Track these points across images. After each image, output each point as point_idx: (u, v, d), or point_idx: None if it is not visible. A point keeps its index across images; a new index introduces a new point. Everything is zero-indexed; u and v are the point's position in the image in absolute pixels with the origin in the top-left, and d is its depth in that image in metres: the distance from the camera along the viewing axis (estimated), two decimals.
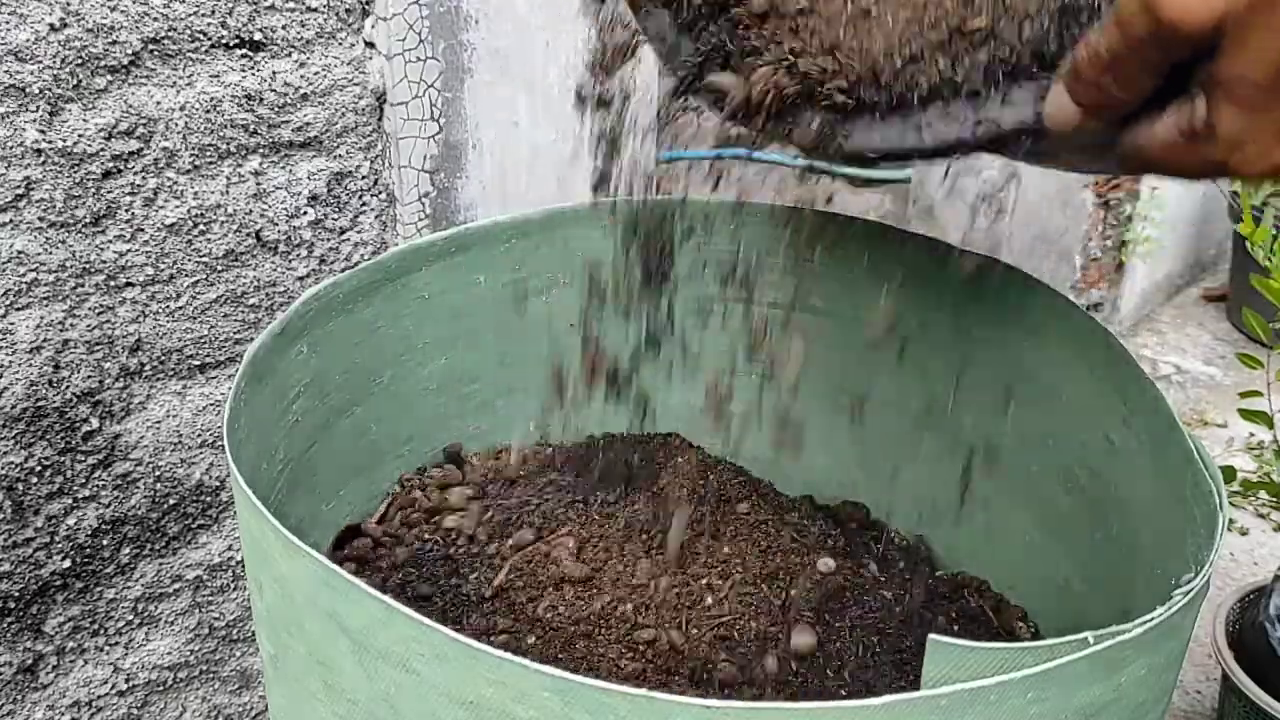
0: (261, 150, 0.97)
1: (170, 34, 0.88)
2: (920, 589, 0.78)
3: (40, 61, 0.82)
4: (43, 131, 0.84)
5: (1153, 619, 0.46)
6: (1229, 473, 1.26)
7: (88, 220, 0.89)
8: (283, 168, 0.99)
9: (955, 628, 0.74)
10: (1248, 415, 1.26)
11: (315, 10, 0.96)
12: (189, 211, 0.94)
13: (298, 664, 0.49)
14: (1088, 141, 0.50)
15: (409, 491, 0.80)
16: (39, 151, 0.84)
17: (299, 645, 0.48)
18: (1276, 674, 1.16)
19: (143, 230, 0.92)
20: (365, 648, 0.44)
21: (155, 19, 0.87)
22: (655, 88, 1.28)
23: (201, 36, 0.90)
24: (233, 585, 1.09)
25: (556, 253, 0.79)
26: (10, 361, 0.88)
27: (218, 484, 1.04)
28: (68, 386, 0.91)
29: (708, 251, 0.83)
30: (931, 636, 0.42)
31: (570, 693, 0.39)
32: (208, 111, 0.92)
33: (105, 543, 0.98)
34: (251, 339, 1.02)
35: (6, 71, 0.81)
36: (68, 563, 0.96)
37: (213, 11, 0.90)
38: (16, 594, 0.93)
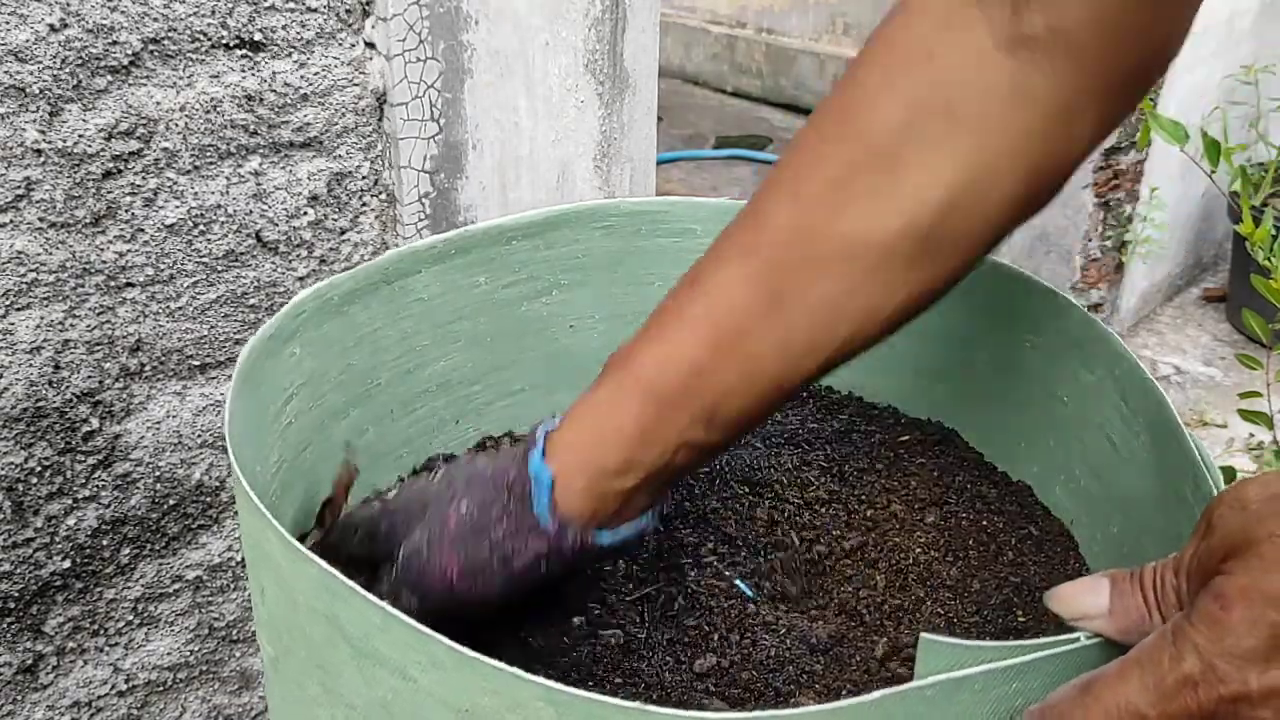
0: (261, 150, 0.97)
1: (170, 34, 0.88)
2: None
3: (40, 62, 0.82)
4: (43, 131, 0.84)
5: None
6: (1229, 473, 1.26)
7: (88, 220, 0.89)
8: (283, 168, 0.99)
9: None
10: (1247, 416, 1.26)
11: (315, 10, 0.96)
12: (189, 212, 0.94)
13: (298, 667, 0.49)
14: None
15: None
16: (39, 151, 0.84)
17: (299, 648, 0.48)
18: None
19: (143, 230, 0.92)
20: (364, 653, 0.44)
21: (155, 19, 0.87)
22: (655, 81, 1.28)
23: (201, 37, 0.90)
24: (233, 585, 1.09)
25: (557, 254, 0.79)
26: (10, 362, 0.88)
27: (218, 484, 1.04)
28: (68, 387, 0.91)
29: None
30: (923, 635, 0.42)
31: (564, 704, 0.39)
32: (208, 112, 0.92)
33: (105, 543, 0.98)
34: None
35: (6, 71, 0.81)
36: (68, 563, 0.96)
37: (213, 12, 0.90)
38: (16, 594, 0.93)
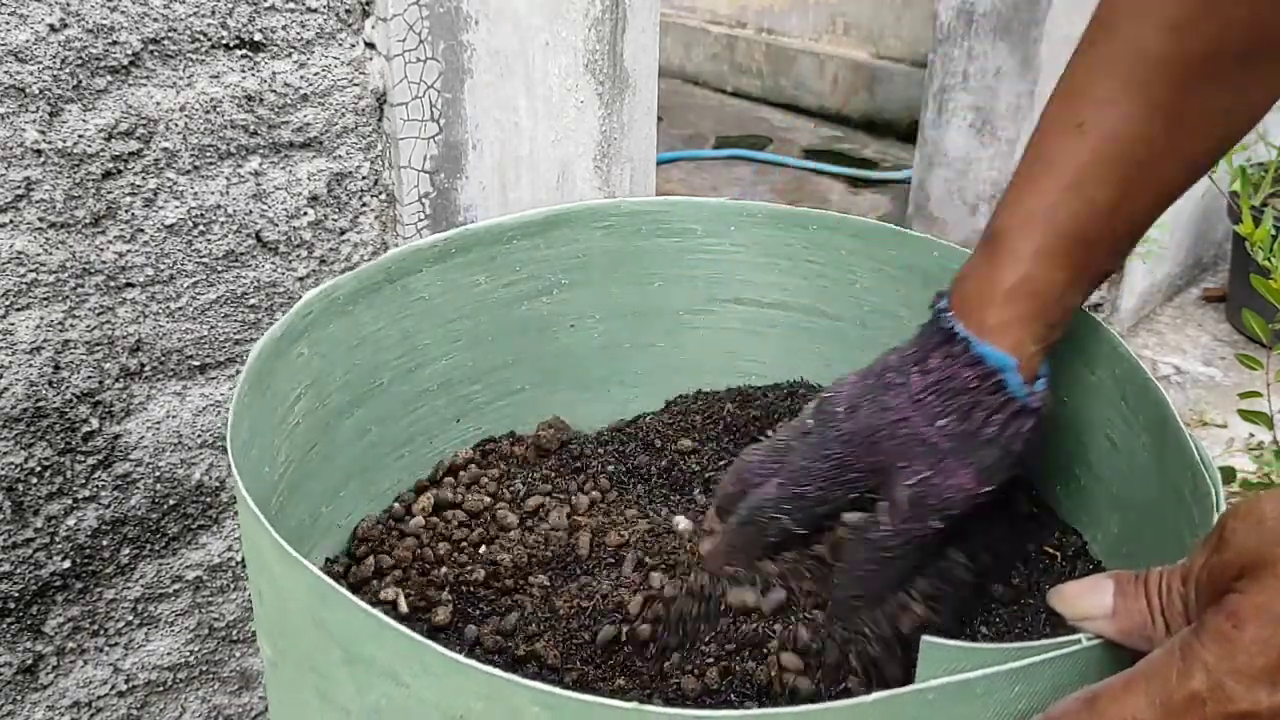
0: (261, 151, 0.97)
1: (170, 34, 0.88)
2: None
3: (40, 62, 0.82)
4: (43, 132, 0.84)
5: None
6: (1229, 473, 1.26)
7: (88, 221, 0.89)
8: (283, 168, 0.99)
9: None
10: (1247, 416, 1.26)
11: (315, 10, 0.96)
12: (189, 212, 0.94)
13: (294, 671, 0.49)
14: None
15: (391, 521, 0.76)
16: (39, 152, 0.84)
17: (295, 652, 0.48)
18: None
19: (143, 231, 0.92)
20: (356, 659, 0.44)
21: (155, 19, 0.87)
22: (655, 81, 1.28)
23: (201, 37, 0.90)
24: (233, 585, 1.09)
25: (557, 254, 0.79)
26: (10, 362, 0.88)
27: (218, 484, 1.04)
28: (68, 387, 0.91)
29: (705, 253, 0.83)
30: (924, 637, 0.42)
31: (559, 707, 0.39)
32: (208, 112, 0.92)
33: (105, 543, 0.98)
34: (251, 339, 1.02)
35: (6, 72, 0.81)
36: (68, 563, 0.96)
37: (213, 12, 0.90)
38: (16, 594, 0.93)
